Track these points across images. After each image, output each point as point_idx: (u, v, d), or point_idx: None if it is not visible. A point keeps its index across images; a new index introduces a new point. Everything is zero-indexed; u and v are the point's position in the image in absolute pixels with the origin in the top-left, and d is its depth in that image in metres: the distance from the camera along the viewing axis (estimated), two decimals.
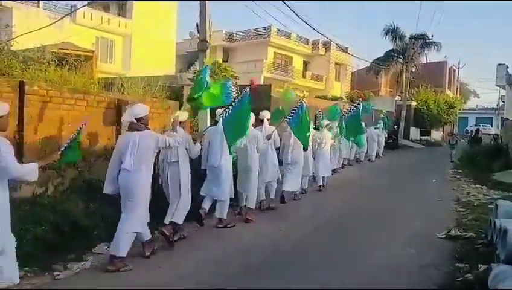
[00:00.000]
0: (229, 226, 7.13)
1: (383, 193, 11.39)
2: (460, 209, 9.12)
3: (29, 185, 6.12)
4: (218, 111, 7.16)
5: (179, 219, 6.26)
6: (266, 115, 8.49)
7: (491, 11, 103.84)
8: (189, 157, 6.44)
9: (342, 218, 8.41)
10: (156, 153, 5.69)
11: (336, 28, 55.38)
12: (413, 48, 31.98)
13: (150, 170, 5.46)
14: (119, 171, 5.30)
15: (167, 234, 5.91)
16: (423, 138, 34.21)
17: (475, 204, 9.63)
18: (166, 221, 6.18)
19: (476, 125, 46.43)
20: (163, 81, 11.52)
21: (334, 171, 13.36)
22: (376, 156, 19.80)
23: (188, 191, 6.39)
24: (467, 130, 36.49)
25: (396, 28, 32.21)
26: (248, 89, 6.87)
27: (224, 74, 22.22)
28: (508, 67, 26.49)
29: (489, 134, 33.85)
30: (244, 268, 5.28)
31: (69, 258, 5.23)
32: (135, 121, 5.39)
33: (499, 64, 27.15)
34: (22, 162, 4.57)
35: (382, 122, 20.87)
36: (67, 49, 14.93)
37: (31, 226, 5.19)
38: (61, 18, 19.00)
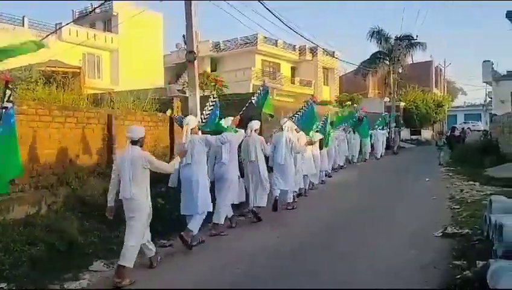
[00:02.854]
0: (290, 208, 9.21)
1: (377, 193, 11.40)
2: (455, 207, 9.16)
3: (22, 205, 6.08)
4: (283, 120, 9.24)
5: (263, 203, 8.24)
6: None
7: (475, 9, 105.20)
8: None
9: (338, 219, 8.42)
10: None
11: (322, 33, 56.17)
12: (399, 49, 32.24)
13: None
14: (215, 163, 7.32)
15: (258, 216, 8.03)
16: (413, 137, 34.49)
17: (469, 201, 9.68)
18: (251, 207, 8.16)
19: (465, 122, 46.82)
20: (152, 94, 11.49)
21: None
22: (376, 156, 21.35)
23: (267, 181, 8.26)
24: (454, 126, 36.89)
25: (381, 30, 32.48)
26: (312, 102, 10.42)
27: (213, 83, 22.30)
28: (493, 64, 26.84)
29: (478, 130, 34.16)
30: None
31: (66, 277, 5.16)
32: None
33: (485, 61, 27.50)
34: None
35: (383, 123, 23.03)
36: (55, 67, 14.86)
37: (25, 247, 5.13)
38: (47, 36, 18.76)
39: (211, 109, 8.67)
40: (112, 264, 5.74)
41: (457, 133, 22.44)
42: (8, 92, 4.25)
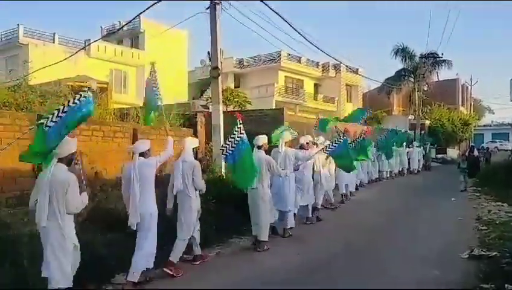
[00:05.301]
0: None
1: (402, 211, 11.32)
2: (482, 228, 8.93)
3: None
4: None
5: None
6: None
7: (502, 25, 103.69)
8: None
9: (362, 236, 8.33)
10: None
11: (345, 49, 55.87)
12: (424, 67, 31.95)
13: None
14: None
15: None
16: (439, 156, 33.84)
17: (497, 222, 9.42)
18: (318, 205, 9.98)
19: (492, 141, 45.76)
20: (177, 109, 11.67)
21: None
22: (414, 171, 22.56)
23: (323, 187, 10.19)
24: (482, 146, 35.87)
25: (406, 47, 32.31)
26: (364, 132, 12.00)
27: (237, 99, 22.48)
28: None
29: (506, 150, 33.32)
30: None
31: (88, 289, 5.21)
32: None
33: None
34: None
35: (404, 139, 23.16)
36: (83, 82, 15.24)
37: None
38: (76, 52, 19.42)
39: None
40: None
41: (476, 153, 18.10)
42: (240, 125, 6.52)
